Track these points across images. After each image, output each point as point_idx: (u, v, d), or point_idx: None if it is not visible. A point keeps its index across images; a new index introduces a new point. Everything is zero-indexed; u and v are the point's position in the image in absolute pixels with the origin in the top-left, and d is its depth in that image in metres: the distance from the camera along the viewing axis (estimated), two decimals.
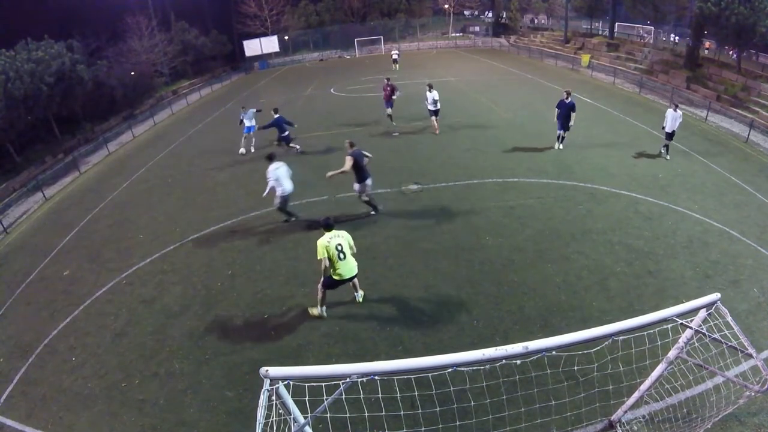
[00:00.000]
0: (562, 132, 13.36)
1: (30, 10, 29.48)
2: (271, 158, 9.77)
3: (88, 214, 12.64)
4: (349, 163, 9.22)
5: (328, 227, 6.51)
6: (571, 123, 12.98)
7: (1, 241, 12.10)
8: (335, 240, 6.43)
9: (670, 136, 12.47)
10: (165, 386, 6.29)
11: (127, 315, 7.95)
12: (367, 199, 10.11)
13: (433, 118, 15.60)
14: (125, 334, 7.48)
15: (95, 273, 9.41)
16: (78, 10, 32.00)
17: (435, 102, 15.12)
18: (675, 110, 12.21)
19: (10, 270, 10.24)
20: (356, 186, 9.78)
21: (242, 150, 15.66)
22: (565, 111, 12.82)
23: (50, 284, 9.35)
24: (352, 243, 6.65)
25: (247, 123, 15.60)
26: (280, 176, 9.55)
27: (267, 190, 9.64)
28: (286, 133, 14.50)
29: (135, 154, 18.63)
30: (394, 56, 32.29)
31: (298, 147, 14.90)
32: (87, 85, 23.06)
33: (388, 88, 16.50)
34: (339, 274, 6.57)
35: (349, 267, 6.62)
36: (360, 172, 9.55)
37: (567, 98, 12.72)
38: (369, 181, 9.78)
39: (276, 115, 14.16)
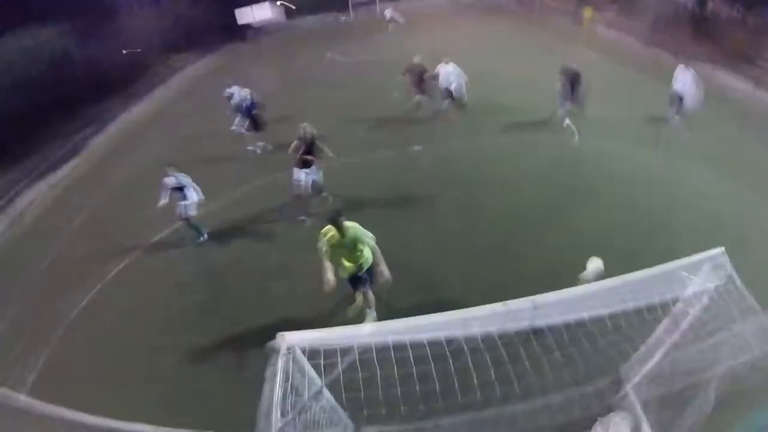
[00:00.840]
0: (568, 105, 11.43)
1: None
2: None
3: (95, 196, 12.74)
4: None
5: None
6: (581, 96, 11.06)
7: (12, 231, 12.23)
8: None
9: (681, 99, 11.31)
10: (182, 359, 6.50)
11: (141, 292, 8.14)
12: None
13: (448, 101, 12.86)
14: (140, 312, 7.68)
15: (107, 253, 9.53)
16: None
17: (450, 81, 12.28)
18: (685, 68, 11.20)
19: (22, 257, 10.41)
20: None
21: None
22: (567, 80, 11.06)
23: (64, 268, 9.50)
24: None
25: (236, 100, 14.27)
26: (187, 183, 8.70)
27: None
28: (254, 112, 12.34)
29: (135, 134, 18.53)
30: (388, 16, 29.01)
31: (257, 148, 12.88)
32: (80, 68, 22.69)
33: (416, 71, 12.71)
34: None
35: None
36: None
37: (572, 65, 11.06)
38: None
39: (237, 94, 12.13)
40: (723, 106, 13.30)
